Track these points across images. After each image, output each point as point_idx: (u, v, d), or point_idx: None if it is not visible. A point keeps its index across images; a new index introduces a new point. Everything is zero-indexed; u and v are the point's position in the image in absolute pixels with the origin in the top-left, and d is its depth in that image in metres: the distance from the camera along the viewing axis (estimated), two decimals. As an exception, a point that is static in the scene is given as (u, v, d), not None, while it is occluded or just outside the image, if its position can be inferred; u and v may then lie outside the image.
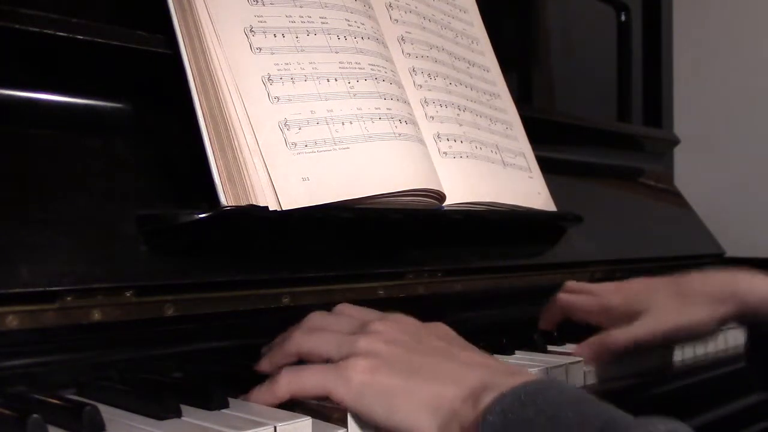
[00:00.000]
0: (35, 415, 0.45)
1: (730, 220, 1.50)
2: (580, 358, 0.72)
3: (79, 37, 0.62)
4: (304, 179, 0.65)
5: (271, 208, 0.62)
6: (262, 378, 0.56)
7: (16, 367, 0.56)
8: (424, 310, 0.58)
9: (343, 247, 0.75)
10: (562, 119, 1.17)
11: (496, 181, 0.86)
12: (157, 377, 0.60)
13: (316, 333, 0.58)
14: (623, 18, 1.42)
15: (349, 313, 0.60)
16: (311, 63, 0.70)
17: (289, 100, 0.67)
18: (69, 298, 0.57)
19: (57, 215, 0.58)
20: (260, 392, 0.54)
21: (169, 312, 0.62)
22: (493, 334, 0.76)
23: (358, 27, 0.75)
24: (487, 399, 0.47)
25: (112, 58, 0.66)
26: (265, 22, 0.69)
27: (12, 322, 0.54)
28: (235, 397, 0.55)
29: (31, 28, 0.60)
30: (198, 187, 0.63)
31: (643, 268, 0.83)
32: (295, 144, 0.66)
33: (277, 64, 0.68)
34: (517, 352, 0.76)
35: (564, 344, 0.80)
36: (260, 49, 0.67)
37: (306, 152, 0.66)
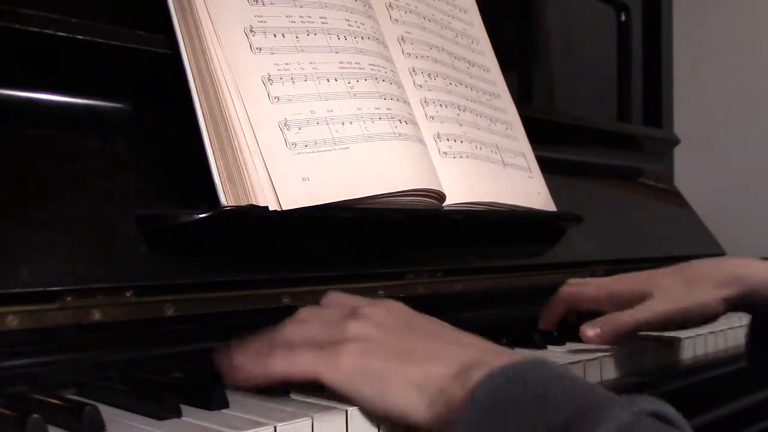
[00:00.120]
0: (35, 415, 0.45)
1: (730, 220, 1.50)
2: (578, 359, 0.72)
3: (79, 37, 0.62)
4: (304, 179, 0.65)
5: (271, 208, 0.62)
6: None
7: (16, 367, 0.56)
8: (424, 310, 0.58)
9: (343, 247, 0.75)
10: (562, 119, 1.17)
11: (496, 181, 0.86)
12: (157, 377, 0.60)
13: (306, 323, 0.57)
14: (623, 18, 1.42)
15: (338, 301, 0.60)
16: (311, 63, 0.70)
17: (289, 100, 0.67)
18: (69, 298, 0.57)
19: (57, 215, 0.58)
20: (250, 363, 0.54)
21: (169, 312, 0.62)
22: (493, 334, 0.76)
23: (358, 27, 0.75)
24: (476, 377, 0.46)
25: (112, 58, 0.66)
26: (265, 22, 0.69)
27: (12, 322, 0.54)
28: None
29: (31, 28, 0.60)
30: (198, 187, 0.63)
31: (642, 268, 0.83)
32: (295, 144, 0.66)
33: (277, 64, 0.68)
34: (517, 351, 0.76)
35: (564, 344, 0.80)
36: (260, 49, 0.67)
37: (306, 152, 0.66)
